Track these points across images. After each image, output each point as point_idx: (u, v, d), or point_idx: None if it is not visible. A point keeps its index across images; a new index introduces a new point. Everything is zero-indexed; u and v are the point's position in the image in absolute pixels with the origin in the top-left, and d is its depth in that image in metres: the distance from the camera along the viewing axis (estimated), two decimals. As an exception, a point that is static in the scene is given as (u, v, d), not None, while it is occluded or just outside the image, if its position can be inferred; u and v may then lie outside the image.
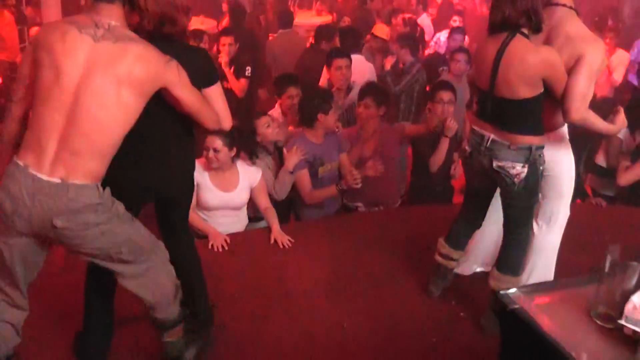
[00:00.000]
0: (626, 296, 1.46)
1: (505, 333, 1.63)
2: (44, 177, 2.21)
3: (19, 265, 2.42)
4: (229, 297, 3.52)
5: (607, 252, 1.53)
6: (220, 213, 4.06)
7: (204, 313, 3.20)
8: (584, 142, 5.24)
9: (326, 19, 9.44)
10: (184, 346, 2.72)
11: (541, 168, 3.12)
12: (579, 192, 5.10)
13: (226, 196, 4.01)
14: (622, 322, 1.41)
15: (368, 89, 4.76)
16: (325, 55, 5.93)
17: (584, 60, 2.95)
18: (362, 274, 3.82)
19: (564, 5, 3.07)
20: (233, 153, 3.95)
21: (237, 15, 7.71)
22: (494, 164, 3.10)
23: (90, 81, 2.22)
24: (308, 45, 6.78)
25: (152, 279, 2.54)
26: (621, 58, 6.91)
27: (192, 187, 3.04)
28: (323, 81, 5.45)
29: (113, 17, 2.31)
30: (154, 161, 2.67)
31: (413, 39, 6.59)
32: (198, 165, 3.91)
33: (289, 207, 4.60)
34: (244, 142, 4.29)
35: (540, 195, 3.33)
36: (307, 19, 9.58)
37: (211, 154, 3.87)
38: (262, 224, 4.34)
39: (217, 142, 3.84)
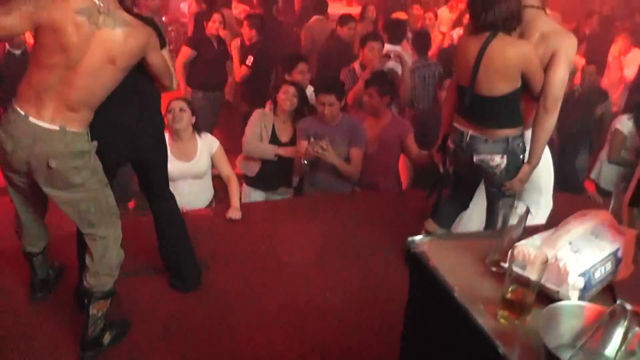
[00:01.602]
0: (513, 243, 1.65)
1: (411, 274, 1.83)
2: (45, 125, 2.57)
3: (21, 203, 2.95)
4: (222, 261, 3.78)
5: (500, 204, 1.72)
6: (183, 183, 4.22)
7: (189, 271, 3.48)
8: (583, 137, 5.35)
9: (356, 10, 9.52)
10: (104, 327, 2.91)
11: (521, 156, 3.30)
12: (575, 186, 5.22)
13: (185, 165, 4.19)
14: (504, 265, 1.60)
15: (373, 79, 4.92)
16: (345, 43, 6.26)
17: (560, 52, 3.12)
18: (351, 249, 4.03)
19: (532, 6, 3.22)
20: (194, 120, 4.19)
21: (266, 2, 7.88)
22: (474, 158, 3.30)
23: (90, 59, 2.55)
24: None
25: (104, 246, 2.85)
26: (636, 56, 6.95)
27: (165, 148, 3.35)
28: (356, 64, 5.72)
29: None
30: (130, 120, 3.01)
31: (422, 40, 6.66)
32: None
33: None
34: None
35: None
36: (338, 9, 9.74)
37: (176, 113, 4.09)
38: (277, 196, 4.67)
39: (182, 103, 4.15)
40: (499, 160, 3.25)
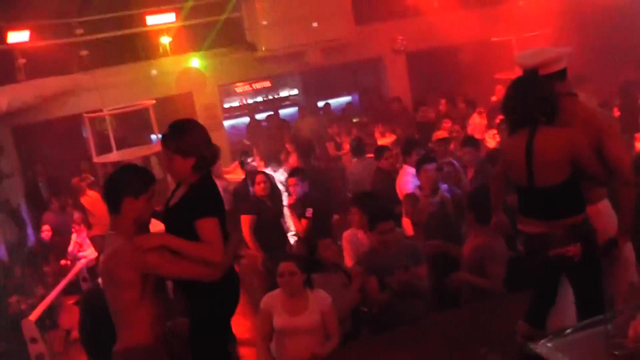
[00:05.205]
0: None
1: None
2: None
3: None
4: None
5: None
6: (295, 337, 4.15)
7: None
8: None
9: (390, 139, 9.55)
10: None
11: (594, 236, 3.29)
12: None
13: (296, 320, 4.12)
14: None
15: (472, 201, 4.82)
16: (387, 173, 6.57)
17: (607, 130, 3.25)
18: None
19: (568, 93, 3.36)
20: (304, 277, 4.13)
21: (304, 153, 8.11)
22: (550, 253, 3.27)
23: None
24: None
25: None
26: None
27: None
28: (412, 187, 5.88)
29: None
30: None
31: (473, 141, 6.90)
32: (272, 292, 4.24)
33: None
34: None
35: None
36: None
37: (286, 277, 4.07)
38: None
39: (291, 266, 4.09)
40: (574, 249, 3.21)
